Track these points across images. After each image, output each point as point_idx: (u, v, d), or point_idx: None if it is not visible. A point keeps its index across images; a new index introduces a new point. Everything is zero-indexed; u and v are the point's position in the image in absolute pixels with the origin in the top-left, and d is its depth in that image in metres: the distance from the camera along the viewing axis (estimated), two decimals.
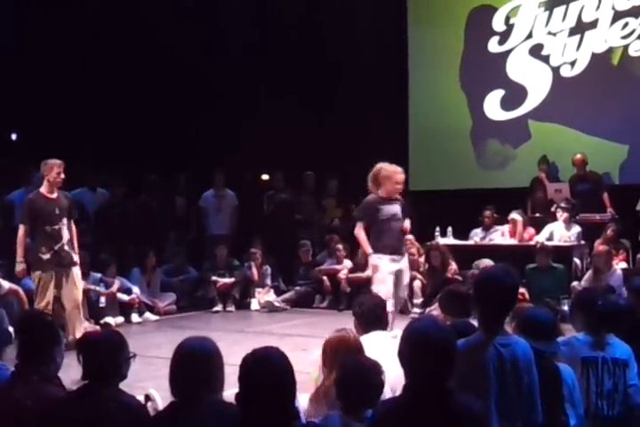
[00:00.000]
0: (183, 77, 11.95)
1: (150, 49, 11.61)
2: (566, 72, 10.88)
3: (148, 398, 3.86)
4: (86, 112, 11.32)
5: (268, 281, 10.06)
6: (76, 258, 6.97)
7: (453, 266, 8.84)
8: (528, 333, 3.37)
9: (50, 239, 6.81)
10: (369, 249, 6.49)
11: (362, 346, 3.59)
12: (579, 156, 9.84)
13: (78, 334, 6.33)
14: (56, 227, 6.83)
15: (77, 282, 6.99)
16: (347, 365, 3.14)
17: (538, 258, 8.46)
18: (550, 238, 9.14)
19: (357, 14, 11.69)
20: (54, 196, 6.94)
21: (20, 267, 6.83)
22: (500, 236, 9.53)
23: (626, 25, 10.49)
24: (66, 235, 6.88)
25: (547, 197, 9.80)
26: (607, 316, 3.91)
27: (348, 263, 9.78)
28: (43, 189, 6.95)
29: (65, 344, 3.38)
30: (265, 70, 11.86)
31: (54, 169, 6.87)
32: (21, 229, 6.87)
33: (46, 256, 6.77)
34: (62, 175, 6.92)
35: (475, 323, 3.52)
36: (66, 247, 6.85)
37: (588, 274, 8.33)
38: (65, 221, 6.91)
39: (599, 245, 8.63)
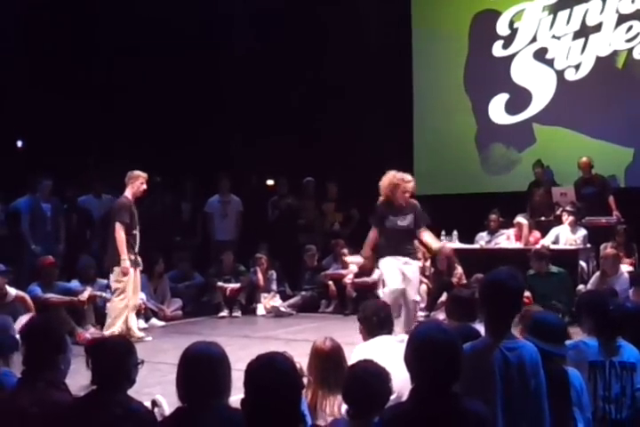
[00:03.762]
0: (189, 84, 11.98)
1: (156, 53, 11.64)
2: (571, 75, 10.88)
3: (154, 403, 3.85)
4: (91, 119, 11.34)
5: (274, 286, 10.06)
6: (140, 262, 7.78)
7: (459, 270, 8.83)
8: (538, 335, 3.36)
9: (132, 242, 7.57)
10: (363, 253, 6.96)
11: (341, 355, 3.60)
12: (584, 159, 9.83)
13: (131, 331, 7.53)
14: (135, 232, 7.60)
15: (139, 281, 7.83)
16: (355, 371, 3.14)
17: (532, 263, 8.35)
18: (556, 242, 9.12)
19: (361, 19, 11.71)
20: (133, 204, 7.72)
21: (126, 263, 7.39)
22: (506, 239, 9.52)
23: (630, 28, 10.49)
24: (137, 240, 7.66)
25: (545, 200, 9.81)
26: (618, 320, 3.90)
27: (353, 268, 9.76)
28: (129, 196, 7.60)
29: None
30: (269, 75, 11.88)
31: (139, 179, 7.60)
32: (121, 230, 7.41)
33: (131, 256, 7.52)
34: (145, 186, 7.63)
35: (480, 327, 3.52)
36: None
37: (595, 277, 8.30)
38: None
39: (607, 248, 8.60)
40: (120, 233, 7.39)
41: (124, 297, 7.54)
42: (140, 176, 7.66)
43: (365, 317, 4.17)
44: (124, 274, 7.48)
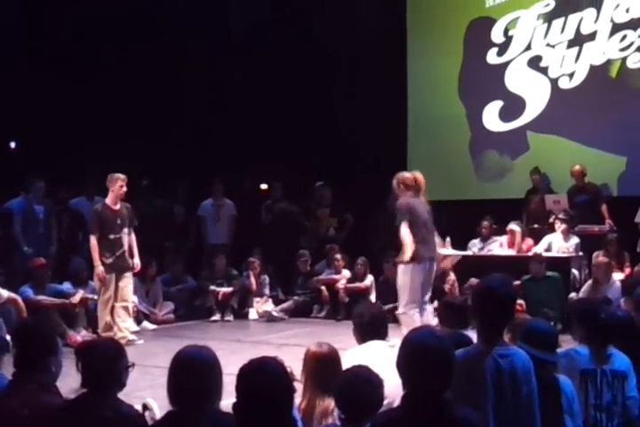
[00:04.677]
0: (184, 87, 11.98)
1: (152, 54, 11.63)
2: (565, 84, 10.91)
3: (145, 407, 3.84)
4: (85, 121, 11.33)
5: (267, 291, 10.06)
6: (131, 264, 7.95)
7: (452, 277, 8.84)
8: (530, 342, 3.37)
9: (112, 246, 7.78)
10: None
11: (337, 360, 3.62)
12: (577, 167, 9.86)
13: (122, 332, 7.73)
14: (117, 236, 7.79)
15: (129, 284, 7.98)
16: (347, 377, 3.13)
17: (531, 266, 8.46)
18: (549, 249, 9.14)
19: (357, 26, 11.71)
20: (117, 207, 7.90)
21: (98, 270, 7.71)
22: (499, 246, 9.54)
23: (624, 37, 10.52)
24: (125, 243, 7.84)
25: (540, 208, 9.83)
26: (610, 328, 3.91)
27: (346, 273, 9.77)
28: (108, 201, 7.88)
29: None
30: (266, 79, 11.88)
31: (118, 182, 7.79)
32: (93, 239, 7.76)
33: (108, 261, 7.74)
34: (125, 188, 7.82)
35: (472, 334, 3.52)
36: (125, 254, 7.85)
37: (587, 285, 8.32)
38: (125, 230, 7.87)
39: (599, 257, 8.64)
40: (91, 241, 7.76)
41: (102, 299, 7.80)
42: (119, 179, 7.84)
43: (361, 324, 4.15)
44: (99, 280, 7.78)
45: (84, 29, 11.45)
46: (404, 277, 6.74)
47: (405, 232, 6.61)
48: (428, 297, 6.86)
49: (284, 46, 11.82)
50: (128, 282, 7.97)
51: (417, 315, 6.66)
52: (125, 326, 7.89)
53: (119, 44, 11.51)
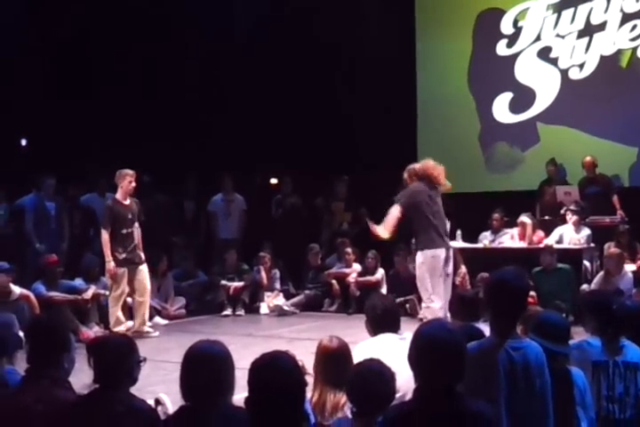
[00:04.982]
0: (192, 82, 11.98)
1: (157, 48, 11.64)
2: (575, 74, 10.86)
3: (158, 402, 3.86)
4: (95, 118, 11.36)
5: (277, 285, 10.08)
6: (143, 256, 8.02)
7: (463, 269, 8.80)
8: (541, 334, 3.36)
9: (124, 241, 7.86)
10: None
11: (348, 354, 3.62)
12: (588, 158, 9.81)
13: (142, 326, 7.94)
14: (129, 230, 7.88)
15: (146, 277, 8.06)
16: (359, 370, 3.14)
17: (542, 258, 8.44)
18: (560, 241, 9.11)
19: (365, 18, 11.68)
20: (127, 202, 7.99)
21: (110, 265, 7.76)
22: (510, 239, 9.50)
23: (634, 27, 10.46)
24: (136, 237, 7.93)
25: (555, 199, 9.79)
26: (622, 319, 3.90)
27: (357, 267, 9.77)
28: (118, 196, 7.96)
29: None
30: (274, 73, 11.87)
31: (127, 178, 7.87)
32: (105, 234, 7.82)
33: (122, 256, 7.82)
34: (134, 184, 7.91)
35: (484, 327, 3.52)
36: (137, 248, 7.93)
37: (599, 277, 8.29)
38: (136, 224, 7.97)
39: (611, 248, 8.60)
40: (103, 236, 7.82)
41: (114, 295, 7.86)
42: (128, 175, 7.91)
43: (373, 316, 4.14)
44: (110, 275, 7.83)
45: (84, 29, 11.45)
46: (420, 269, 6.72)
47: (391, 213, 6.54)
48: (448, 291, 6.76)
49: (286, 45, 11.79)
50: (145, 275, 8.06)
51: (440, 309, 6.51)
52: (143, 320, 8.02)
53: (120, 44, 11.49)
